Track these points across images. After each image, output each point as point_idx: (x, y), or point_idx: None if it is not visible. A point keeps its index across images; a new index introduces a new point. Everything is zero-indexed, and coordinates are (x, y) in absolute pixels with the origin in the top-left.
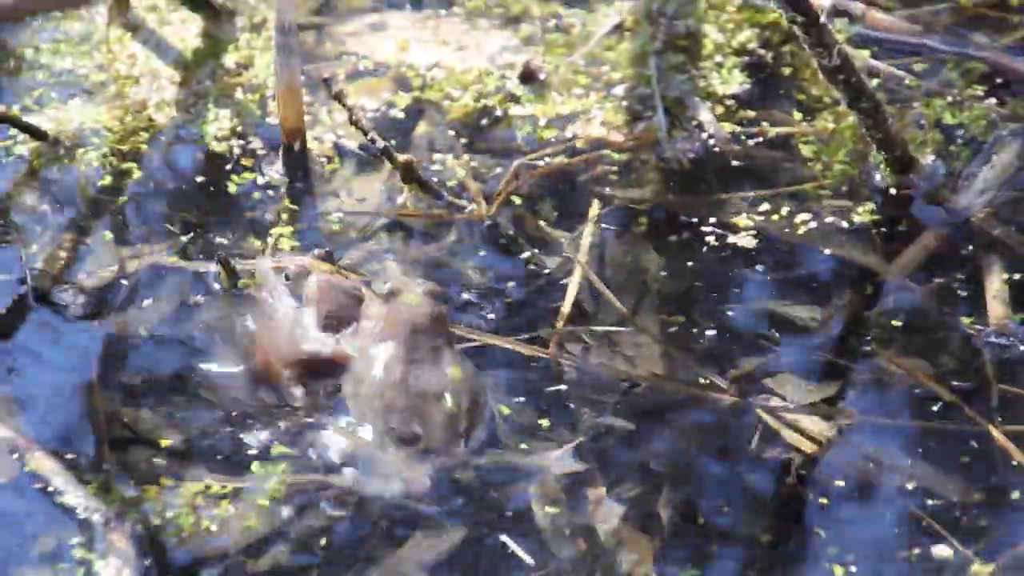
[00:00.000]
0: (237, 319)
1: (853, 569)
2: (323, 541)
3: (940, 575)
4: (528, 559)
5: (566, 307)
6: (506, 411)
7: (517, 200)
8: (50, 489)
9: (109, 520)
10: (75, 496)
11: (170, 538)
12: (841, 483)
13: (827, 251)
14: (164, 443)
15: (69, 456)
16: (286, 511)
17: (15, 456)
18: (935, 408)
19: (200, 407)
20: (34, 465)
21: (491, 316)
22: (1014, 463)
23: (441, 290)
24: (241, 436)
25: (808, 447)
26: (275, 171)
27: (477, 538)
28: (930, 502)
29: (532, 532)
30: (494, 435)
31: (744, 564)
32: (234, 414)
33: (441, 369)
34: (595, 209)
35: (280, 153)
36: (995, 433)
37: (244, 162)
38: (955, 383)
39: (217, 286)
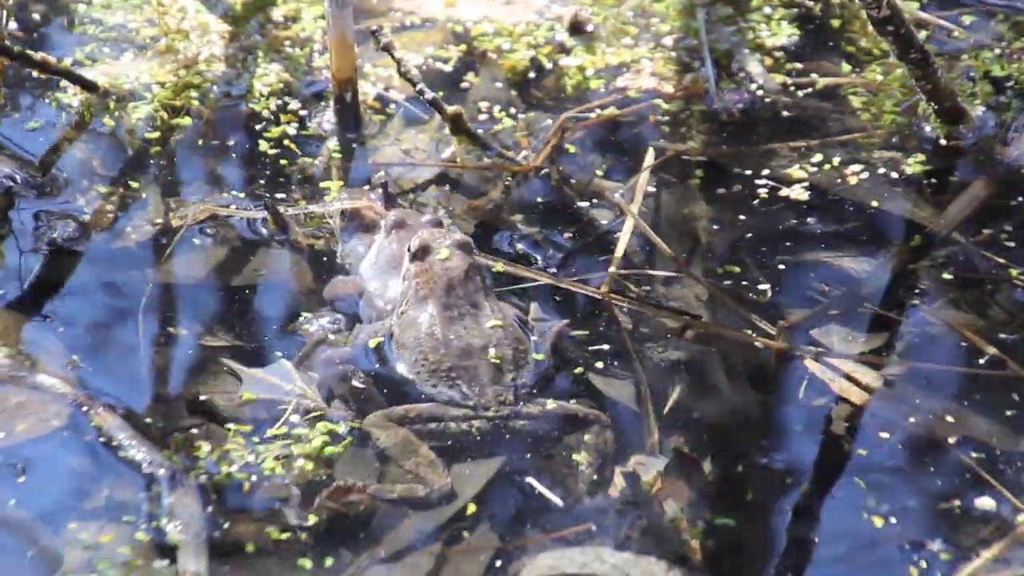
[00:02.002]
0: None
1: (893, 520)
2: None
3: (984, 526)
4: (558, 502)
5: (618, 252)
6: (556, 355)
7: (571, 150)
8: (114, 443)
9: (174, 474)
10: (139, 451)
11: (232, 489)
12: (886, 434)
13: (877, 203)
14: (219, 394)
15: (130, 410)
16: (337, 460)
17: (81, 410)
18: (982, 360)
19: (254, 356)
20: (97, 420)
21: (542, 265)
22: None
23: (468, 240)
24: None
25: (856, 397)
26: (326, 122)
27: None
28: (975, 454)
29: (573, 476)
30: (540, 382)
31: (783, 513)
32: (293, 362)
33: (482, 322)
34: (647, 160)
35: (331, 104)
36: None
37: (293, 115)
38: (1002, 335)
39: (266, 232)
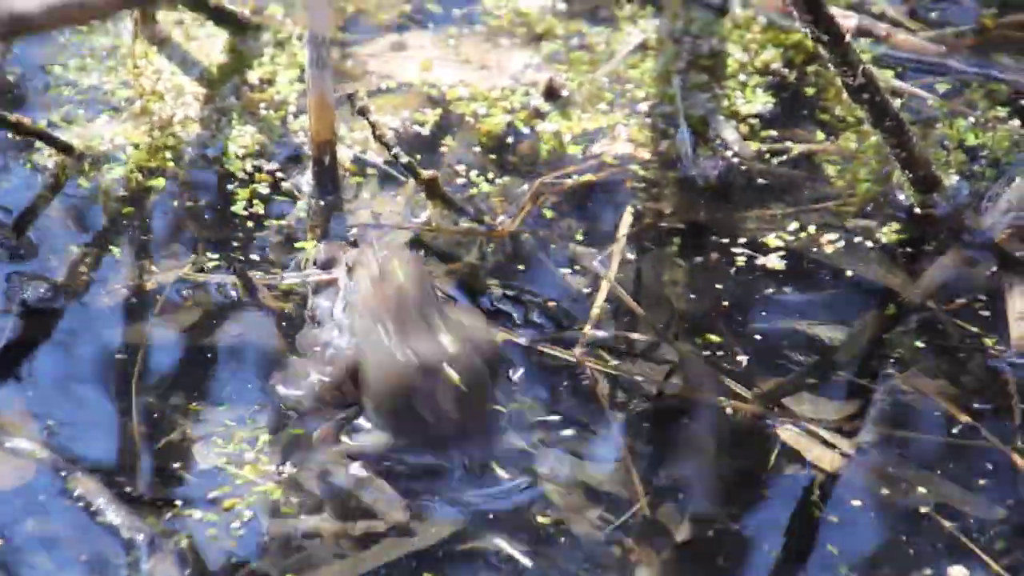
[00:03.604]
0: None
1: None
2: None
3: None
4: (527, 562)
5: (593, 313)
6: (526, 408)
7: (547, 215)
8: (92, 508)
9: (153, 539)
10: (117, 515)
11: (212, 554)
12: (858, 502)
13: (852, 270)
14: (197, 456)
15: (107, 474)
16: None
17: (58, 475)
18: (955, 429)
19: (232, 418)
20: (75, 485)
21: (516, 328)
22: None
23: (420, 257)
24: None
25: (828, 465)
26: (304, 184)
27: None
28: (948, 523)
29: (534, 538)
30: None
31: None
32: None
33: (437, 341)
34: (623, 226)
35: (308, 166)
36: (1015, 455)
37: (268, 178)
38: (976, 404)
39: (235, 295)
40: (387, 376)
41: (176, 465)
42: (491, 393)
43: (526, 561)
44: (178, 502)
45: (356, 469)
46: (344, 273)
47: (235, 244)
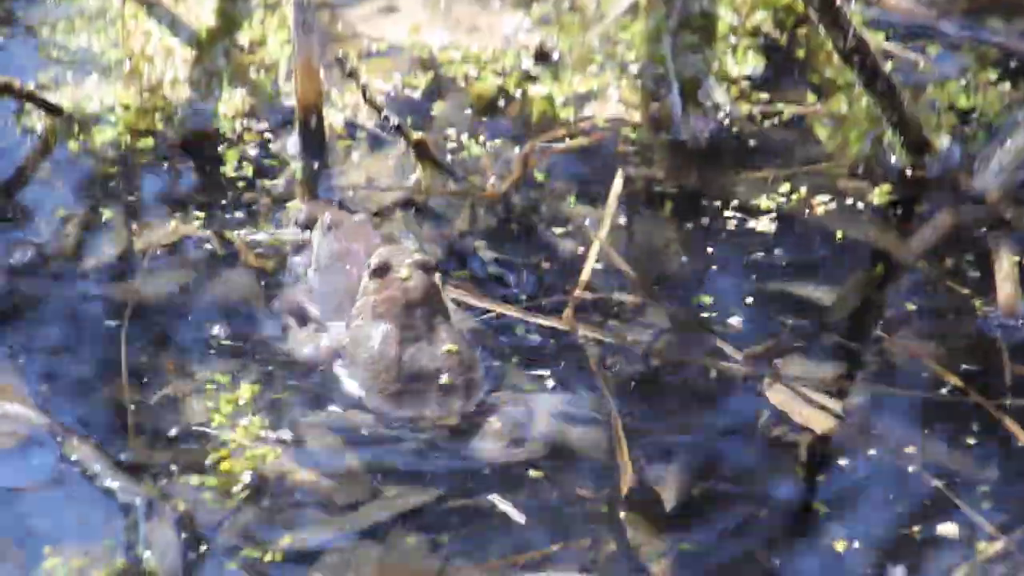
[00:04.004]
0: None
1: (856, 546)
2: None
3: (946, 552)
4: (520, 520)
5: (583, 277)
6: (518, 379)
7: (539, 177)
8: (89, 473)
9: (150, 503)
10: (114, 480)
11: (208, 516)
12: (846, 460)
13: (843, 232)
14: (189, 416)
15: (100, 437)
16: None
17: (53, 440)
18: (944, 389)
19: (221, 376)
20: (71, 450)
21: (506, 292)
22: (1020, 443)
23: (430, 260)
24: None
25: (818, 425)
26: (290, 146)
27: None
28: (936, 482)
29: (531, 502)
30: (491, 405)
31: (746, 538)
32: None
33: (436, 346)
34: (615, 188)
35: (295, 130)
36: (1001, 414)
37: (257, 139)
38: (965, 365)
39: (220, 253)
40: (380, 376)
41: (169, 427)
42: (481, 391)
43: (518, 517)
44: (173, 466)
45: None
46: (319, 234)
47: (223, 205)
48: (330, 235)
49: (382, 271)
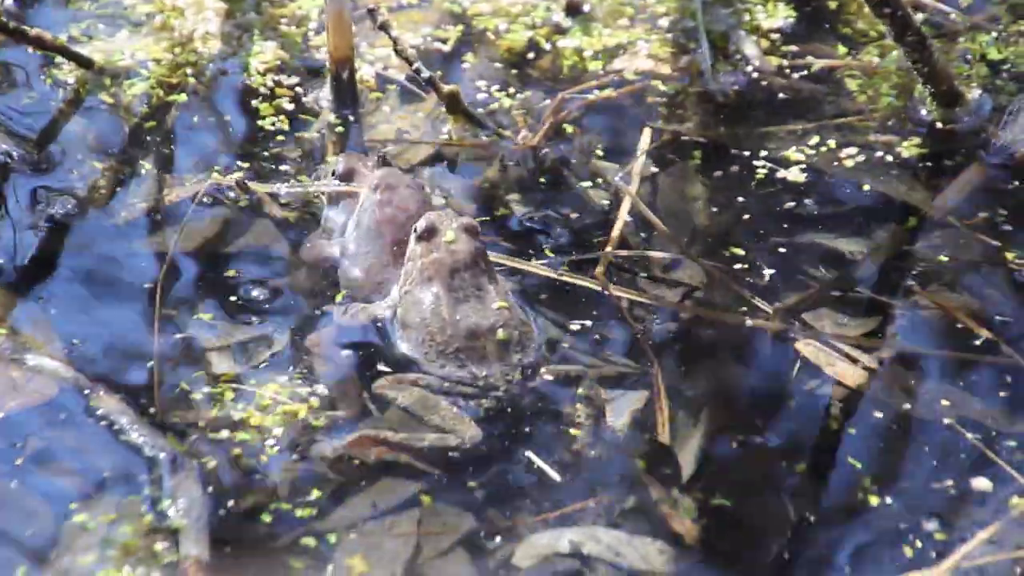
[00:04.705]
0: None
1: (888, 500)
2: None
3: (979, 507)
4: (557, 477)
5: (615, 233)
6: (556, 337)
7: (568, 130)
8: (115, 427)
9: (175, 458)
10: (140, 435)
11: (237, 472)
12: (879, 414)
13: (872, 185)
14: (220, 370)
15: (130, 392)
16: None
17: (81, 393)
18: (975, 342)
19: (251, 329)
20: (99, 403)
21: (537, 246)
22: None
23: (475, 223)
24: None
25: (850, 379)
26: (322, 100)
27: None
28: (969, 435)
29: (571, 454)
30: (543, 360)
31: (778, 491)
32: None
33: (487, 305)
34: (643, 141)
35: (327, 83)
36: None
37: (288, 93)
38: (998, 318)
39: (248, 205)
40: (436, 338)
41: (200, 383)
42: (537, 344)
43: (555, 475)
44: (201, 421)
45: (409, 393)
46: (366, 191)
47: (254, 158)
48: (377, 195)
49: (429, 234)
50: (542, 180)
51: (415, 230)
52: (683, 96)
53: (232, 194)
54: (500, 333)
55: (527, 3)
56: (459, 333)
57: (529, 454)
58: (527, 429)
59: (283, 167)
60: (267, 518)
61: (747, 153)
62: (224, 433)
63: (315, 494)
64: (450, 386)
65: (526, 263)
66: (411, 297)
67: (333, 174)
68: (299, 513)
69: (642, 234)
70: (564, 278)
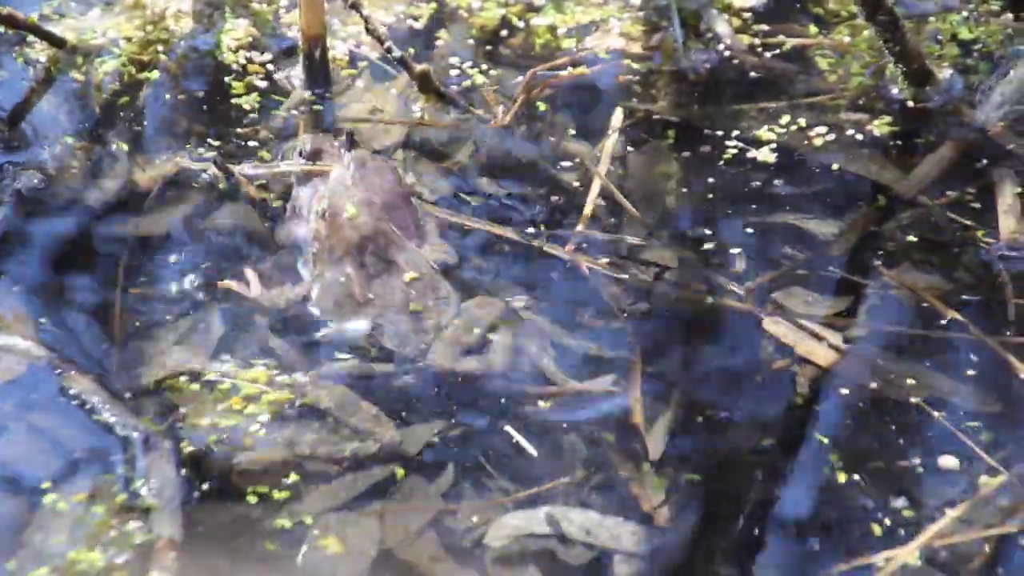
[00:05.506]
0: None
1: (856, 477)
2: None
3: (947, 486)
4: (531, 450)
5: (586, 211)
6: (521, 310)
7: (540, 108)
8: (87, 407)
9: (148, 438)
10: (112, 414)
11: (207, 451)
12: (847, 392)
13: (843, 165)
14: (190, 353)
15: (99, 371)
16: (305, 424)
17: (52, 372)
18: (945, 322)
19: (221, 312)
20: (71, 383)
21: (508, 223)
22: (1021, 376)
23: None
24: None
25: (819, 359)
26: (294, 78)
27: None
28: (937, 414)
29: (532, 430)
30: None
31: (747, 469)
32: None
33: (397, 276)
34: (615, 120)
35: (299, 60)
36: (1002, 347)
37: (260, 71)
38: (967, 297)
39: (224, 186)
40: (355, 321)
41: (170, 363)
42: (452, 312)
43: (531, 449)
44: (178, 405)
45: (334, 393)
46: (337, 170)
47: (226, 136)
48: (348, 176)
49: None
50: (514, 159)
51: (318, 213)
52: (655, 75)
53: (205, 175)
54: (411, 305)
55: None
56: (374, 312)
57: (508, 428)
58: (493, 403)
59: (253, 144)
60: (243, 499)
61: (719, 133)
62: (196, 419)
63: (292, 477)
64: (371, 369)
65: (492, 225)
66: (324, 281)
67: (300, 154)
68: (275, 495)
69: (612, 219)
70: (535, 245)
